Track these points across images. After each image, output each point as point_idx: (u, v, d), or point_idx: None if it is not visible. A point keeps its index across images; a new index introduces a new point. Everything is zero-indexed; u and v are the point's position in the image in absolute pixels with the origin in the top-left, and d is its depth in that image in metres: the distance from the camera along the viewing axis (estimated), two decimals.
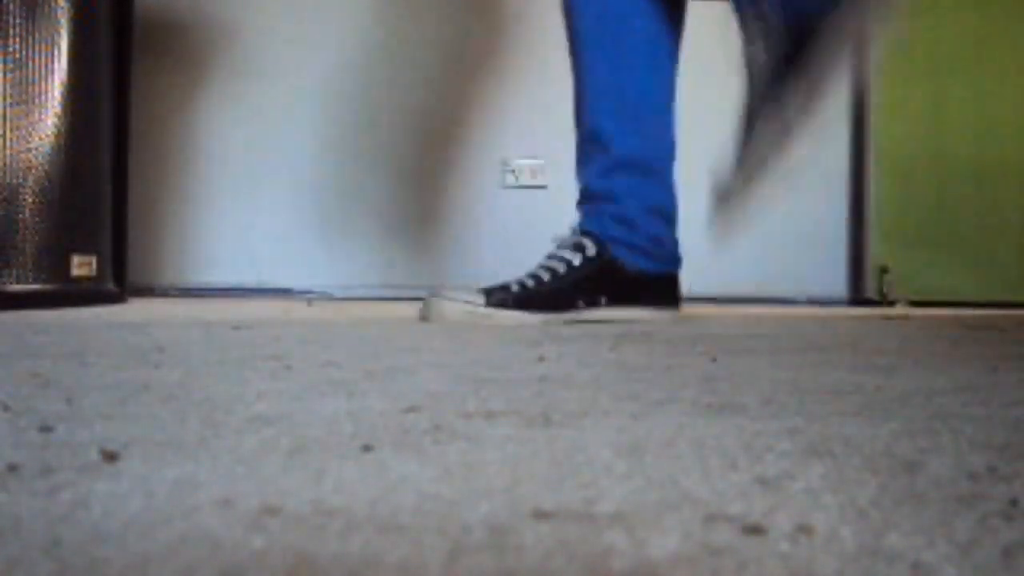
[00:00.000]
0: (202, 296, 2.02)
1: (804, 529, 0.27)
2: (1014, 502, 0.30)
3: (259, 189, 2.08)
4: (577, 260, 1.22)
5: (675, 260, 1.30)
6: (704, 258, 2.18)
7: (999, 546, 0.25)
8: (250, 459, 0.35)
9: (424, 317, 1.18)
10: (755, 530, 0.26)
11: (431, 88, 2.10)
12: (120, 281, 1.60)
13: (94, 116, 1.49)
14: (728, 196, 1.15)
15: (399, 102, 2.10)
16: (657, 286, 1.27)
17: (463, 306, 1.15)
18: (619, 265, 1.23)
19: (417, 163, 2.11)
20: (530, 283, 1.20)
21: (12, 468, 0.33)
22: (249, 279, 2.07)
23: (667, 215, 1.29)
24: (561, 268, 1.21)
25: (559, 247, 1.24)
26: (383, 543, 0.25)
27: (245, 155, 2.08)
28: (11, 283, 1.34)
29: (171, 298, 1.96)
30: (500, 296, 1.17)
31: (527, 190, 2.12)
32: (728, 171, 1.15)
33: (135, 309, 1.45)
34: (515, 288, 1.19)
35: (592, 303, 1.22)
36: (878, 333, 1.16)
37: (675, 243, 1.30)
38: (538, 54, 2.07)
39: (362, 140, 2.10)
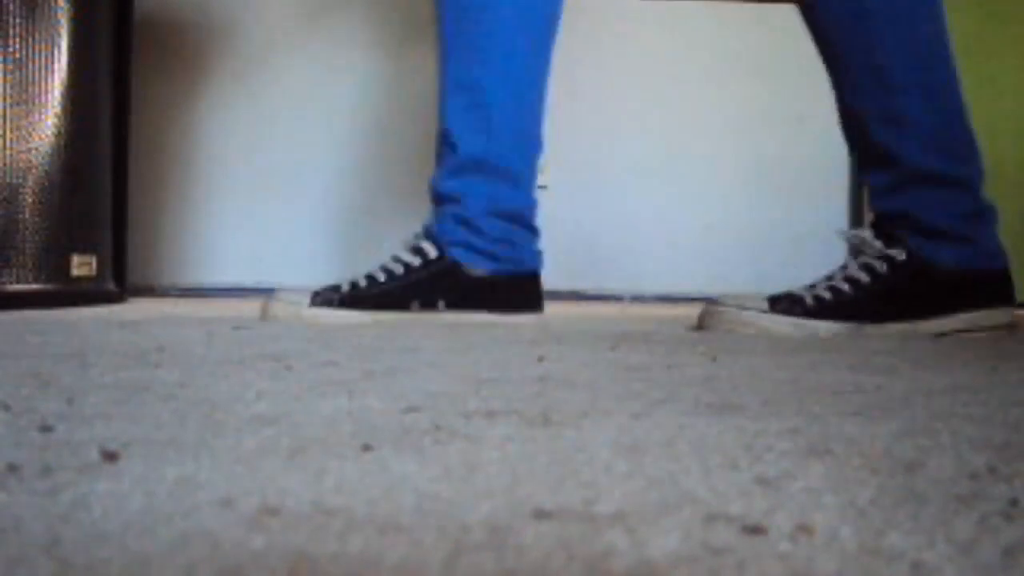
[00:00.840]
0: (202, 296, 2.02)
1: (804, 529, 0.27)
2: (1014, 502, 0.30)
3: (259, 189, 2.08)
4: (416, 262, 1.19)
5: (525, 262, 1.25)
6: (703, 258, 2.19)
7: (999, 546, 0.25)
8: (250, 459, 0.35)
9: (261, 317, 1.17)
10: (755, 530, 0.26)
11: (431, 88, 2.10)
12: (120, 281, 1.60)
13: (94, 116, 1.49)
14: None
15: (399, 102, 2.10)
16: (504, 289, 1.23)
17: (292, 308, 1.14)
18: (460, 268, 1.20)
19: (417, 163, 2.11)
20: (362, 283, 1.18)
21: (12, 468, 0.33)
22: (249, 279, 2.07)
23: (517, 216, 1.24)
24: (398, 270, 1.19)
25: (402, 249, 1.22)
26: (383, 543, 0.25)
27: (245, 155, 2.08)
28: (11, 283, 1.34)
29: (171, 298, 1.96)
30: (327, 296, 1.16)
31: None
32: None
33: (135, 309, 1.45)
34: (345, 288, 1.17)
35: (428, 305, 1.18)
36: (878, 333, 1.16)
37: (528, 243, 1.25)
38: None
39: (362, 140, 2.10)
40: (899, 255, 1.12)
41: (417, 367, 0.66)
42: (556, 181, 2.10)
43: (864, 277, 1.12)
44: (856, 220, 2.15)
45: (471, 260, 1.21)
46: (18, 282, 1.35)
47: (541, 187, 2.13)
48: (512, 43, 1.22)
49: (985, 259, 1.14)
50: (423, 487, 0.31)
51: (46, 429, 0.40)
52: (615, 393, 0.54)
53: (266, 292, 2.01)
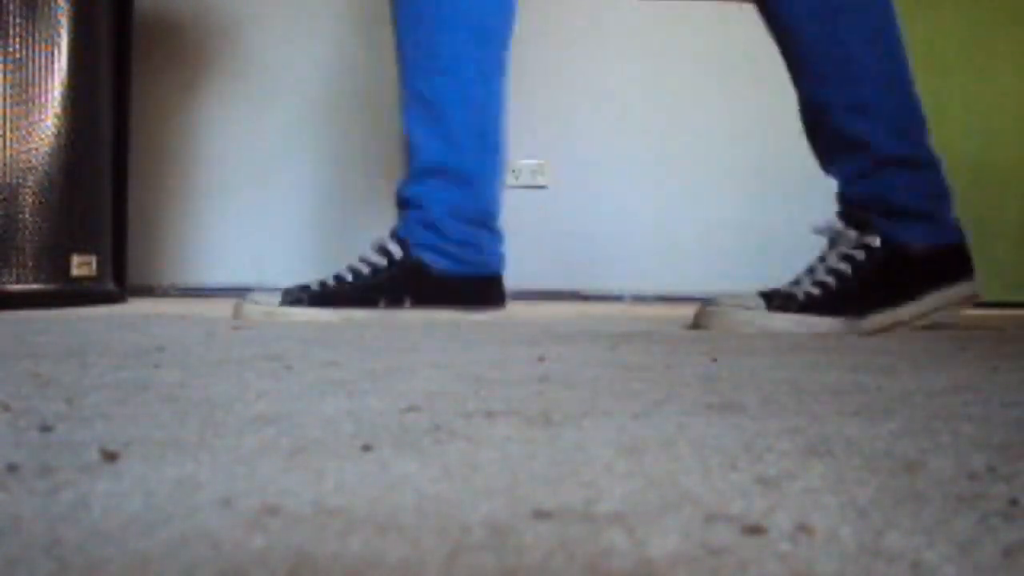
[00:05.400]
0: (202, 296, 2.02)
1: (804, 529, 0.27)
2: (1014, 502, 0.30)
3: (259, 189, 2.08)
4: (383, 263, 1.25)
5: (488, 264, 1.31)
6: (703, 258, 2.18)
7: (999, 546, 0.25)
8: (250, 459, 0.35)
9: (234, 317, 1.19)
10: (755, 530, 0.26)
11: None
12: (120, 281, 1.60)
13: (94, 116, 1.49)
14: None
15: (400, 102, 2.10)
16: (467, 288, 1.28)
17: (263, 307, 1.18)
18: (425, 269, 1.25)
19: None
20: (331, 282, 1.23)
21: (12, 468, 0.33)
22: (249, 279, 2.06)
23: (479, 219, 1.29)
24: (365, 270, 1.24)
25: (369, 250, 1.27)
26: (383, 543, 0.25)
27: (245, 155, 2.08)
28: (11, 283, 1.34)
29: (171, 298, 1.96)
30: (297, 294, 1.20)
31: (527, 190, 2.12)
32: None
33: (135, 309, 1.45)
34: (315, 287, 1.22)
35: (395, 303, 1.23)
36: (878, 333, 1.16)
37: (491, 246, 1.31)
38: (538, 54, 2.07)
39: (362, 140, 2.10)
40: (873, 241, 1.15)
41: (417, 367, 0.66)
42: (556, 181, 2.10)
43: (846, 267, 1.15)
44: None
45: (435, 260, 1.26)
46: (18, 282, 1.35)
47: (541, 187, 2.13)
48: (465, 51, 1.26)
49: (949, 235, 1.19)
50: (423, 487, 0.31)
51: (46, 429, 0.40)
52: (615, 393, 0.54)
53: (266, 292, 2.01)
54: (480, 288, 1.30)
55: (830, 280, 1.14)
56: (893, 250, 1.15)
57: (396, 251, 1.25)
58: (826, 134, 1.20)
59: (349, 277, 1.23)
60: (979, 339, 1.06)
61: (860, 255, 1.15)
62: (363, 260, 1.25)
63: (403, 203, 1.29)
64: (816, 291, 1.13)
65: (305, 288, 1.21)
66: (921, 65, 2.12)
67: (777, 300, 1.12)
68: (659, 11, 2.17)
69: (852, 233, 1.16)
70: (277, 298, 1.19)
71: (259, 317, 1.17)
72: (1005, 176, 2.09)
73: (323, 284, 1.22)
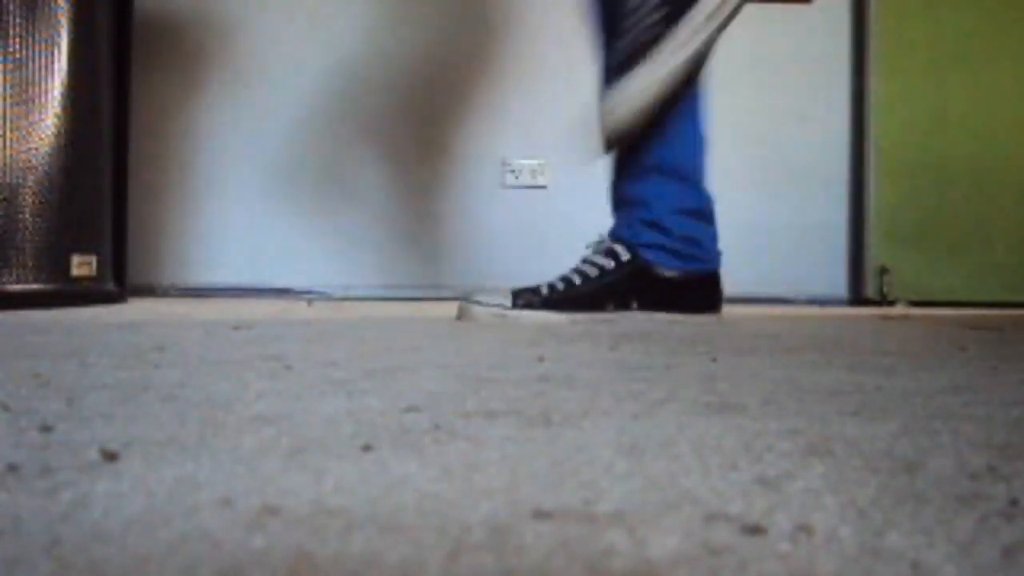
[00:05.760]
0: (202, 296, 2.02)
1: (804, 529, 0.27)
2: (1014, 502, 0.30)
3: (259, 189, 2.08)
4: (610, 265, 1.24)
5: (711, 260, 1.30)
6: None
7: (999, 546, 0.25)
8: (250, 459, 0.35)
9: (459, 318, 1.22)
10: (755, 530, 0.26)
11: (431, 88, 2.10)
12: (120, 281, 1.60)
13: (94, 116, 1.49)
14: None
15: (399, 102, 2.10)
16: (691, 288, 1.28)
17: (493, 310, 1.19)
18: (651, 269, 1.25)
19: (417, 163, 2.11)
20: (560, 286, 1.23)
21: (12, 468, 0.33)
22: (249, 279, 2.06)
23: (699, 213, 1.29)
24: (593, 272, 1.24)
25: (593, 252, 1.26)
26: (383, 543, 0.25)
27: (245, 155, 2.08)
28: (11, 283, 1.34)
29: (171, 298, 1.96)
30: (528, 298, 1.21)
31: (527, 190, 2.12)
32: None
33: (135, 309, 1.45)
34: (544, 291, 1.22)
35: (622, 306, 1.23)
36: (878, 333, 1.16)
37: (711, 240, 1.30)
38: (538, 54, 2.07)
39: (362, 140, 2.10)
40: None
41: (417, 367, 0.66)
42: (556, 181, 2.10)
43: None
44: (856, 219, 2.15)
45: (661, 260, 1.26)
46: (18, 282, 1.35)
47: (541, 187, 2.13)
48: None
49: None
50: (423, 487, 0.31)
51: (46, 429, 0.40)
52: (615, 393, 0.54)
53: (264, 293, 2.01)
54: (703, 287, 1.29)
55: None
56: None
57: (623, 253, 1.25)
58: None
59: (577, 280, 1.24)
60: (979, 339, 1.06)
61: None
62: (589, 262, 1.25)
63: (623, 202, 1.29)
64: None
65: (535, 291, 1.22)
66: (921, 65, 2.12)
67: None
68: None
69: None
70: (506, 300, 1.20)
71: (489, 319, 1.18)
72: (1005, 176, 2.09)
73: (552, 288, 1.22)
